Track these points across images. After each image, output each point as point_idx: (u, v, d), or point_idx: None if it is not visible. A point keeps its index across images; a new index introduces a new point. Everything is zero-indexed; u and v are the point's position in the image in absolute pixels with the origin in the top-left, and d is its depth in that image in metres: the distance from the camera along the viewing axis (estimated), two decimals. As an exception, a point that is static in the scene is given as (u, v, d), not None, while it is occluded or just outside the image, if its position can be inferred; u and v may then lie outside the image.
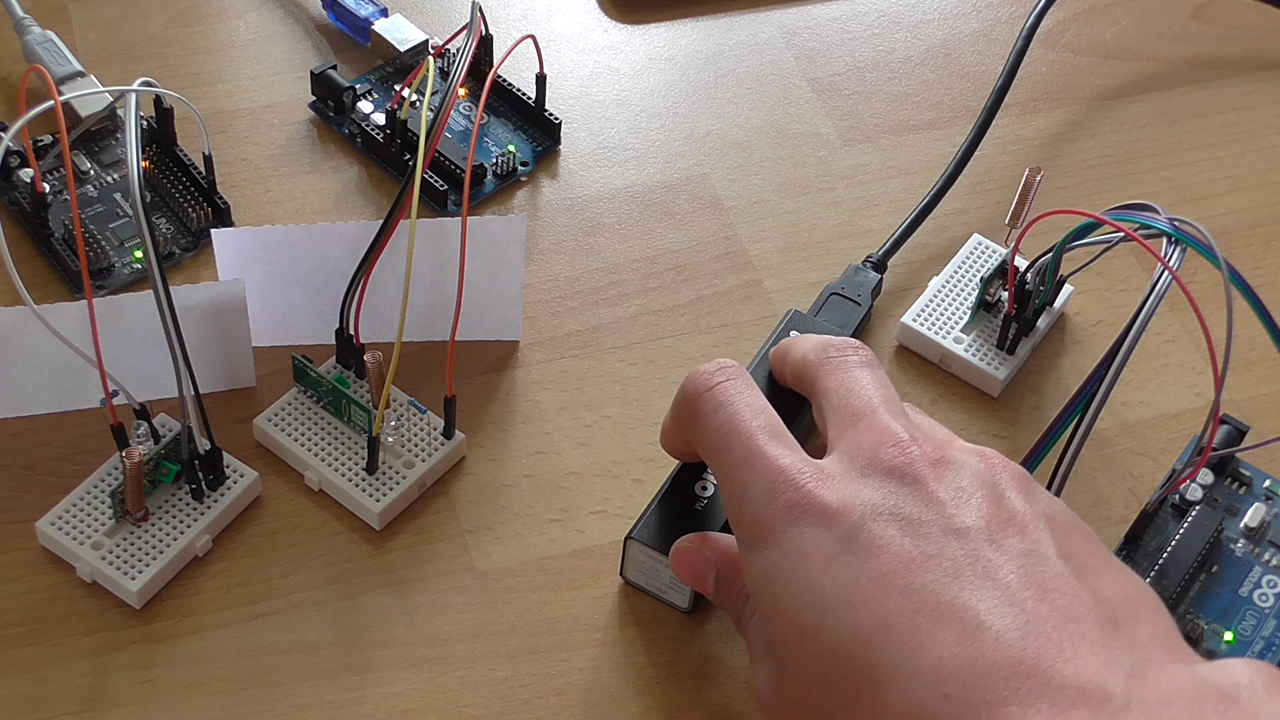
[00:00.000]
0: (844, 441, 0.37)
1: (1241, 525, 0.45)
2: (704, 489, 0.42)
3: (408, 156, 0.52)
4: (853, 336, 0.47)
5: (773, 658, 0.36)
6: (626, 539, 0.42)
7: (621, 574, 0.43)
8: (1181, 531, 0.44)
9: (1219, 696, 0.31)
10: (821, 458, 0.37)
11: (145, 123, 0.51)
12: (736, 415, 0.37)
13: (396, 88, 0.54)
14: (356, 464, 0.44)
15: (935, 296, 0.50)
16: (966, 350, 0.49)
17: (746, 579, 0.36)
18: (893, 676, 0.32)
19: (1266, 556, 0.44)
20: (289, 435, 0.45)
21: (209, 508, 0.43)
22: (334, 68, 0.54)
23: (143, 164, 0.43)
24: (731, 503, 0.37)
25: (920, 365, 0.49)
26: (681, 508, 0.42)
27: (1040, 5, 0.56)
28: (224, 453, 0.43)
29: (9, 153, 0.49)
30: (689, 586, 0.41)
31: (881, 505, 0.35)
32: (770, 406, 0.38)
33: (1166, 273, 0.41)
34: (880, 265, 0.50)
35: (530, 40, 0.52)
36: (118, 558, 0.41)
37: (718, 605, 0.41)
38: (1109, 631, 0.32)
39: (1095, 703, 0.30)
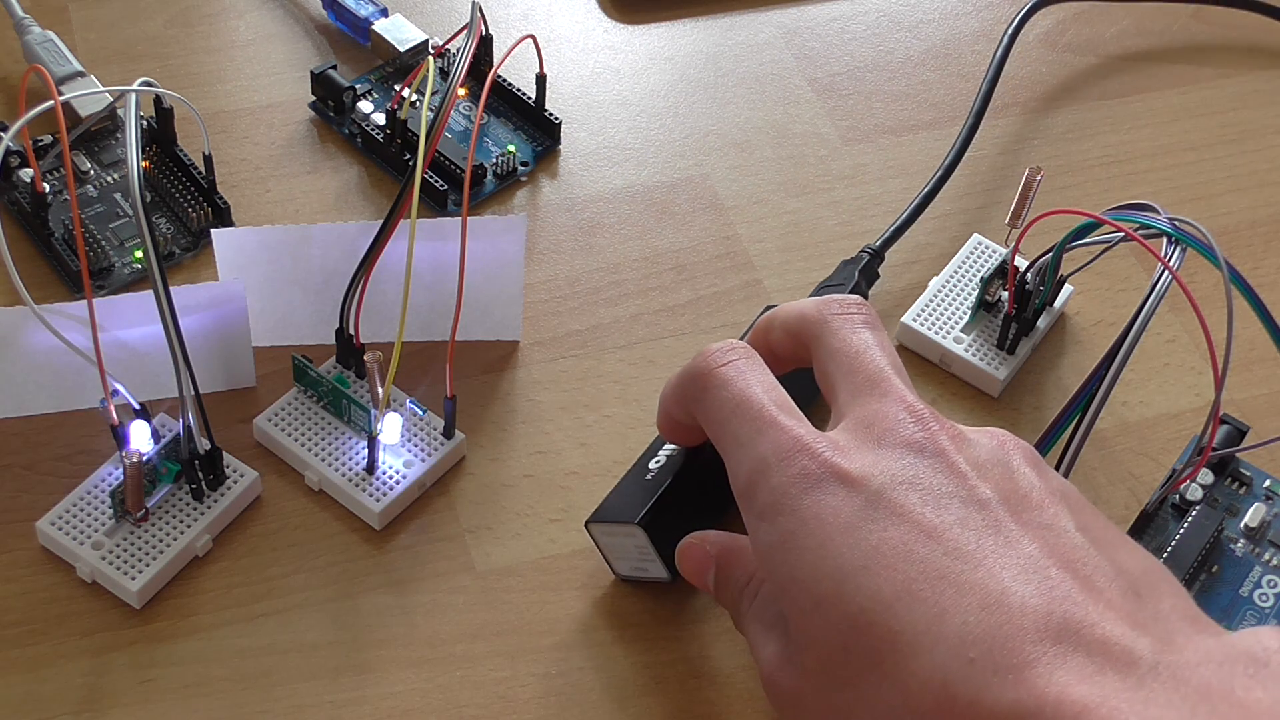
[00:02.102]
0: (858, 410, 0.36)
1: (1241, 525, 0.45)
2: (656, 462, 0.42)
3: (408, 156, 0.52)
4: None
5: (784, 632, 0.36)
6: (586, 525, 0.42)
7: (614, 572, 0.43)
8: (1182, 531, 0.44)
9: (1248, 660, 0.31)
10: (829, 425, 0.37)
11: (145, 123, 0.51)
12: (748, 389, 0.37)
13: (396, 88, 0.54)
14: (356, 464, 0.44)
15: (935, 296, 0.50)
16: (966, 350, 0.49)
17: (757, 553, 0.36)
18: (916, 642, 0.32)
19: (1267, 556, 0.44)
20: (289, 435, 0.45)
21: (209, 508, 0.43)
22: (334, 68, 0.54)
23: (143, 164, 0.43)
24: (743, 475, 0.36)
25: (920, 365, 0.49)
26: (633, 484, 0.42)
27: (1023, 11, 0.57)
28: (224, 453, 0.43)
29: (9, 153, 0.49)
30: (695, 585, 0.41)
31: (902, 475, 0.34)
32: (780, 385, 0.37)
33: (1166, 273, 0.41)
34: (877, 254, 0.50)
35: (530, 40, 0.52)
36: (118, 558, 0.41)
37: (717, 600, 0.40)
38: (1133, 601, 0.32)
39: (1124, 666, 0.30)
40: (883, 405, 0.36)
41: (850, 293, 0.48)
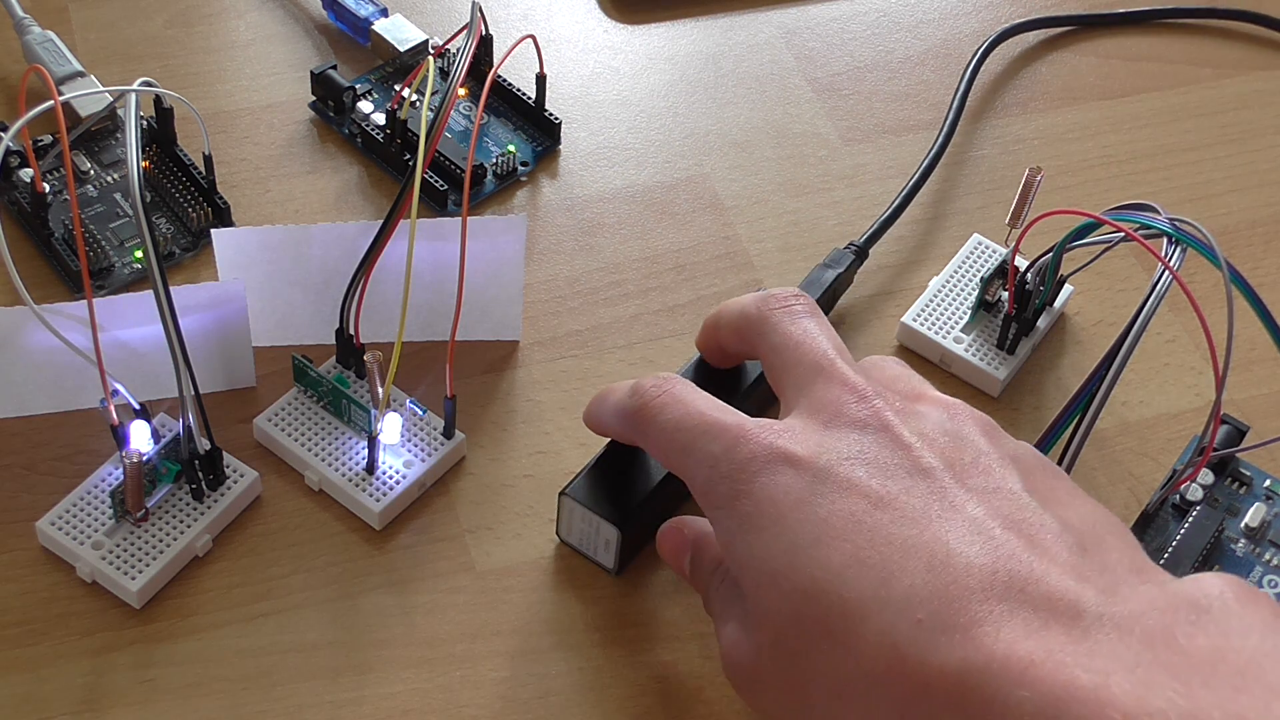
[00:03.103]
0: (804, 398, 0.37)
1: (1242, 525, 0.45)
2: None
3: (408, 156, 0.52)
4: (823, 307, 0.48)
5: (742, 611, 0.36)
6: (556, 534, 0.44)
7: (605, 569, 0.43)
8: (1182, 531, 0.44)
9: (1190, 607, 0.31)
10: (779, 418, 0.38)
11: (145, 123, 0.51)
12: (686, 406, 0.38)
13: (396, 88, 0.54)
14: (356, 464, 0.44)
15: (935, 296, 0.50)
16: (967, 350, 0.49)
17: (719, 541, 0.37)
18: (865, 607, 0.32)
19: (1267, 556, 0.44)
20: (289, 435, 0.45)
21: (209, 508, 0.43)
22: (334, 68, 0.54)
23: (143, 164, 0.43)
24: (699, 478, 0.37)
25: (920, 365, 0.49)
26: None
27: (986, 43, 0.58)
28: (224, 453, 0.43)
29: (9, 153, 0.49)
30: (673, 570, 0.41)
31: (848, 451, 0.35)
32: (715, 398, 0.38)
33: (1166, 273, 0.41)
34: (860, 250, 0.50)
35: (530, 40, 0.52)
36: (118, 558, 0.41)
37: (691, 585, 0.41)
38: (1078, 555, 0.33)
39: (1068, 620, 0.31)
40: (827, 390, 0.37)
41: (823, 292, 0.49)
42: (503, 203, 0.53)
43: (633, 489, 0.43)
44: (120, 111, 0.51)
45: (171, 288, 0.40)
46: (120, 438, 0.41)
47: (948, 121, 0.55)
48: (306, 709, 0.40)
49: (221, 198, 0.50)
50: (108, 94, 0.51)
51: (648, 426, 0.39)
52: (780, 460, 0.35)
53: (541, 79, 0.53)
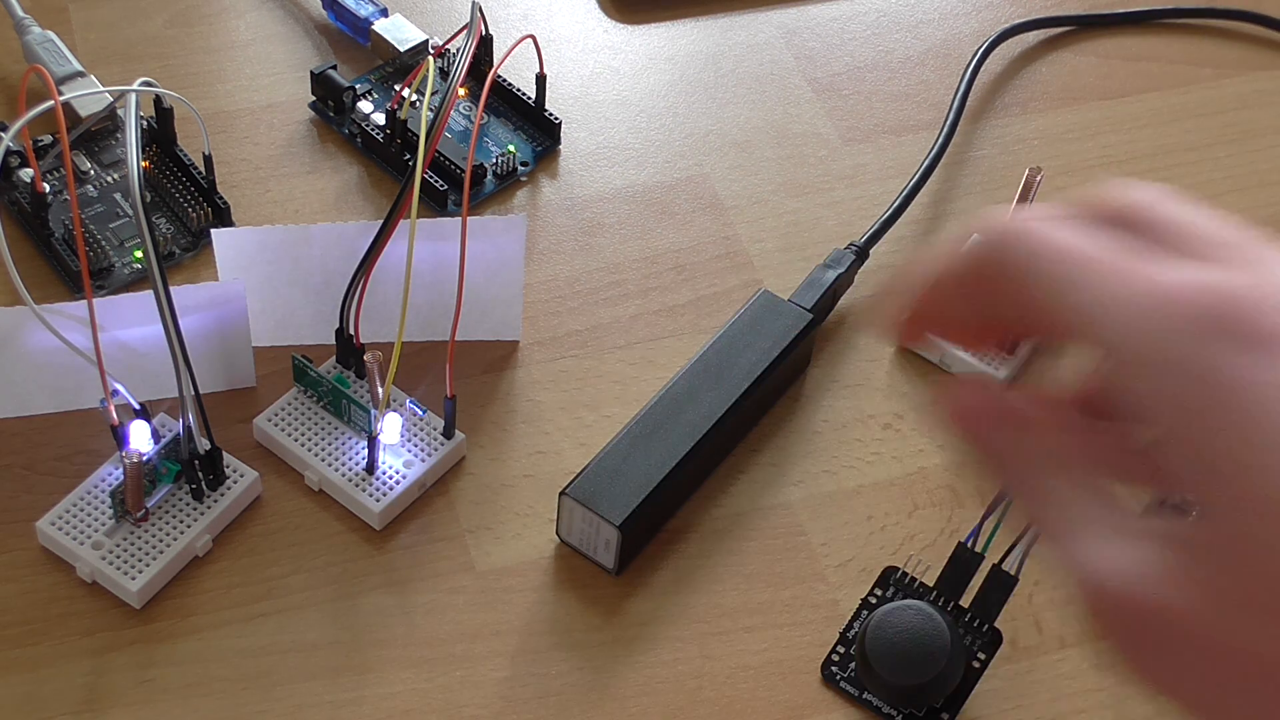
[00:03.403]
0: (1242, 266, 0.26)
1: (1242, 525, 0.45)
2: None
3: (408, 156, 0.52)
4: (824, 308, 0.48)
5: (1176, 536, 0.27)
6: (558, 536, 0.44)
7: (606, 570, 0.43)
8: (1182, 531, 0.43)
9: None
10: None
11: (145, 123, 0.51)
12: (1067, 236, 0.27)
13: (396, 88, 0.54)
14: (356, 464, 0.44)
15: (935, 296, 0.50)
16: (967, 350, 0.49)
17: (1147, 417, 0.26)
18: None
19: (1267, 556, 0.44)
20: (289, 435, 0.45)
21: (209, 508, 0.43)
22: (334, 68, 0.54)
23: (143, 164, 0.43)
24: (1098, 329, 0.26)
25: (920, 365, 0.49)
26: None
27: (987, 43, 0.58)
28: (224, 453, 0.43)
29: (9, 153, 0.49)
30: (964, 438, 0.29)
31: None
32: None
33: (1167, 273, 0.41)
34: (861, 250, 0.50)
35: (530, 40, 0.52)
36: (118, 558, 0.41)
37: (991, 466, 0.29)
38: None
39: None
40: None
41: (823, 292, 0.48)
42: (503, 203, 0.53)
43: (633, 489, 0.43)
44: (120, 111, 0.51)
45: (171, 288, 0.40)
46: (120, 438, 0.41)
47: (948, 121, 0.55)
48: (306, 709, 0.40)
49: (221, 198, 0.50)
50: (108, 94, 0.51)
51: (1017, 250, 0.28)
52: (1248, 335, 0.24)
53: (541, 79, 0.53)
